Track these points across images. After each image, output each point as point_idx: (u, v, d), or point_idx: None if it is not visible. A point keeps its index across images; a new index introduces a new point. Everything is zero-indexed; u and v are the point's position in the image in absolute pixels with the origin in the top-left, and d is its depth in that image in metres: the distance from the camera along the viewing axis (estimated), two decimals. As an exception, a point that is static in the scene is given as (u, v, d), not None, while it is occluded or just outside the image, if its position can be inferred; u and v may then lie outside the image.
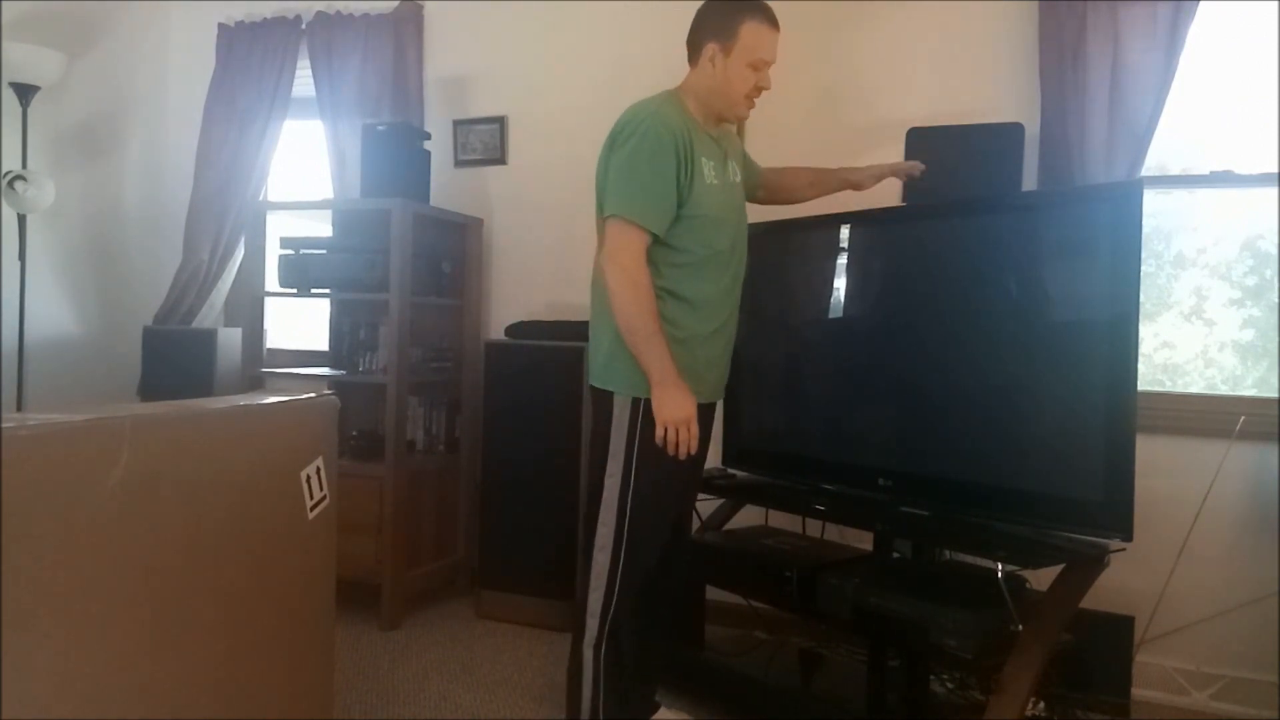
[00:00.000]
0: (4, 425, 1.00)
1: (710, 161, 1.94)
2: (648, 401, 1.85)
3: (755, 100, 1.98)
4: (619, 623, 1.95)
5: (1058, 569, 1.85)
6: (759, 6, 1.92)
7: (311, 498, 1.59)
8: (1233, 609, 2.38)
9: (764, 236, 2.56)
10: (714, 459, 2.72)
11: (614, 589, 1.93)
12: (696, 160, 1.89)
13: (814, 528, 2.58)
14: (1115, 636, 2.24)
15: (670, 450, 1.83)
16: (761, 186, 2.29)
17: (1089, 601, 1.88)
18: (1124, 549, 1.80)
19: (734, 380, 2.61)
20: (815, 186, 2.35)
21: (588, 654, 1.95)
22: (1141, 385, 1.94)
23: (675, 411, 1.81)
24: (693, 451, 1.85)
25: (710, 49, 1.92)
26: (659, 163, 1.83)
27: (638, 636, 2.02)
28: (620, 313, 1.83)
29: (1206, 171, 2.52)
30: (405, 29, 3.35)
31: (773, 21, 1.94)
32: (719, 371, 2.05)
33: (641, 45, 3.11)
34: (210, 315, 3.58)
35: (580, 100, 3.18)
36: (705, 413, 2.00)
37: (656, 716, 2.15)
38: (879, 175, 2.34)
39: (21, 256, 3.15)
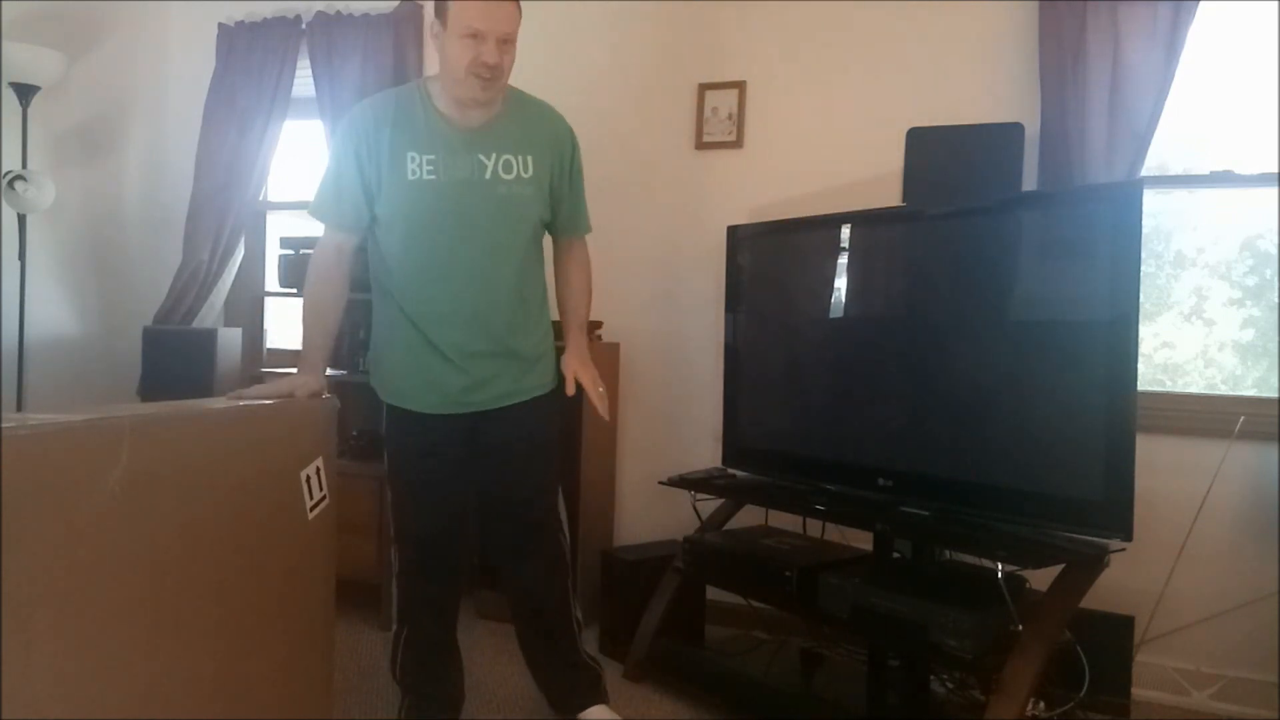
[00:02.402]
0: (4, 425, 1.00)
1: (426, 155, 1.82)
2: (390, 407, 1.97)
3: (486, 77, 1.76)
4: (410, 628, 2.04)
5: (1058, 569, 1.85)
6: None
7: (311, 498, 1.59)
8: (1233, 609, 2.38)
9: (764, 236, 2.56)
10: (714, 459, 2.73)
11: (396, 592, 2.05)
12: (394, 154, 1.82)
13: (814, 528, 2.58)
14: (1115, 636, 2.24)
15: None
16: (559, 245, 2.09)
17: (1089, 601, 1.88)
18: (1124, 549, 1.80)
19: (733, 380, 2.62)
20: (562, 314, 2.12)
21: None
22: (1141, 385, 1.94)
23: (282, 385, 1.77)
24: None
25: (434, 25, 1.81)
26: (335, 162, 1.87)
27: (426, 649, 2.06)
28: None
29: (1206, 171, 2.52)
30: (405, 29, 3.35)
31: None
32: (451, 382, 1.91)
33: (639, 46, 3.11)
34: (210, 315, 3.58)
35: (577, 101, 3.17)
36: (463, 420, 1.95)
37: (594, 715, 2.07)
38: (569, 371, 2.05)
39: (21, 256, 3.14)
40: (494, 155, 1.86)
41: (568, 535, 2.13)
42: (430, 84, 1.89)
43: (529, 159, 1.89)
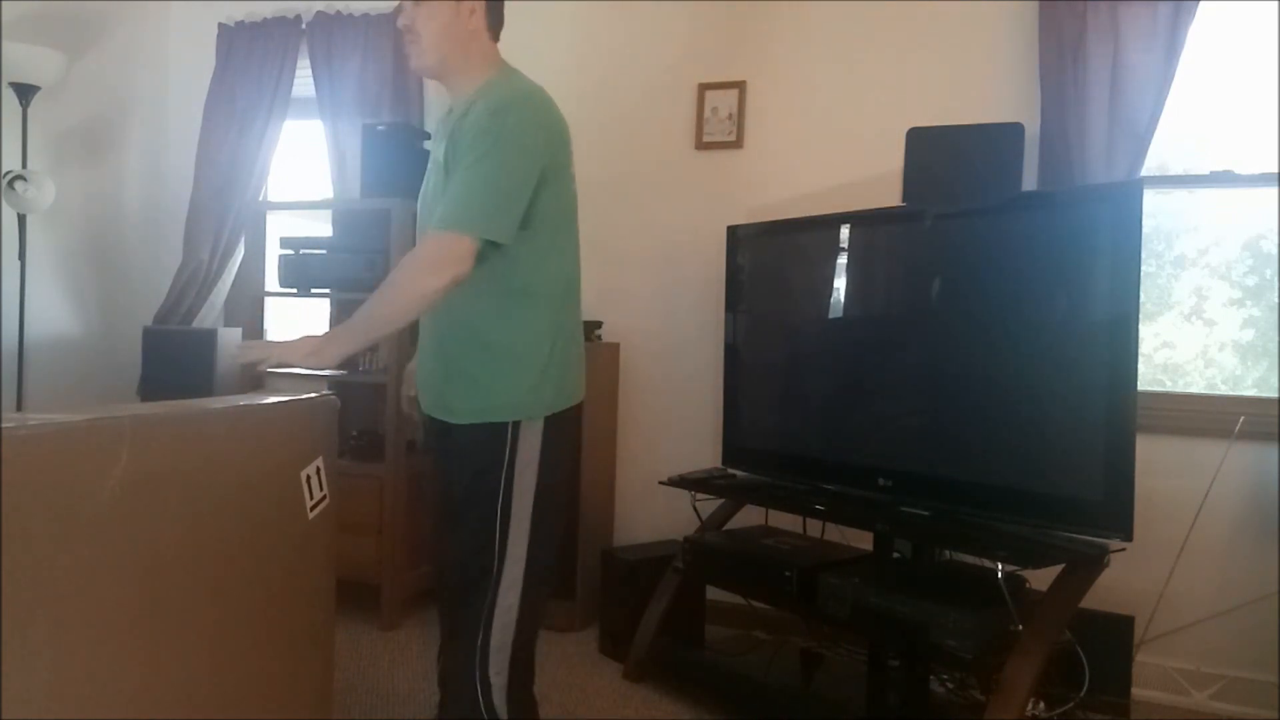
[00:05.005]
0: (4, 425, 1.00)
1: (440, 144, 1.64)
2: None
3: (407, 45, 1.63)
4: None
5: (1058, 569, 1.85)
6: None
7: (311, 498, 1.59)
8: (1233, 609, 2.38)
9: (764, 236, 2.57)
10: (714, 459, 2.73)
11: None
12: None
13: (814, 528, 2.58)
14: (1115, 636, 2.24)
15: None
16: None
17: (1089, 601, 1.88)
18: (1124, 549, 1.80)
19: (733, 380, 2.62)
20: None
21: None
22: (1141, 385, 1.95)
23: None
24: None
25: None
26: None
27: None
28: None
29: (1206, 171, 2.52)
30: (405, 29, 3.35)
31: None
32: (425, 384, 1.71)
33: (639, 46, 3.11)
34: (210, 315, 3.58)
35: (577, 101, 3.18)
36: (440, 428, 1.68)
37: None
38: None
39: (21, 256, 3.14)
40: (443, 144, 1.63)
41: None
42: None
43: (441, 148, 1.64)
